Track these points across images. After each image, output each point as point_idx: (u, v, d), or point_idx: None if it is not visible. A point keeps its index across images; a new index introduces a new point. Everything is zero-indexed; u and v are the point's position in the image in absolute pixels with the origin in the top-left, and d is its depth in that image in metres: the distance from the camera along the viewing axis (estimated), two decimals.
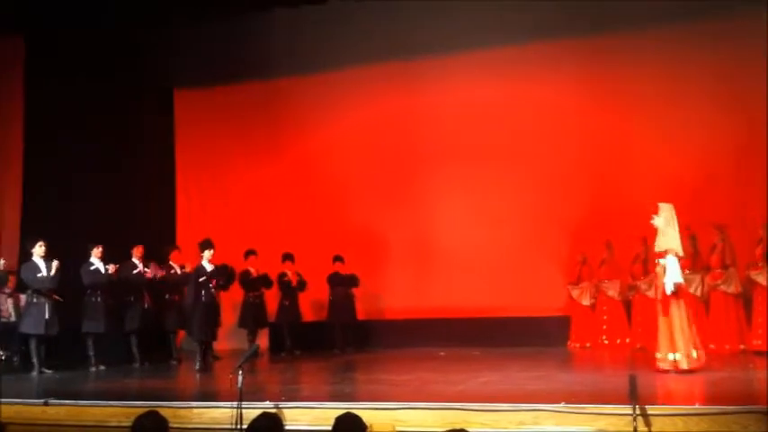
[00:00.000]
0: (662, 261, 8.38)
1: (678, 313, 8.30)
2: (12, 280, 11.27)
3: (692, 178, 11.44)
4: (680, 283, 8.29)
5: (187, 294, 11.15)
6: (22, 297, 10.94)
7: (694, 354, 8.19)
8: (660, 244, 8.48)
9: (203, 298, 10.67)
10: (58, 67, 12.09)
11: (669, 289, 8.26)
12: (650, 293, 10.91)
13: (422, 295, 12.78)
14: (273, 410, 6.28)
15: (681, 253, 8.42)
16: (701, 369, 8.15)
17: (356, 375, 9.81)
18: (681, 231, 8.57)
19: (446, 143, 12.94)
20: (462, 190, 12.83)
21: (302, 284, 12.64)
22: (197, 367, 10.36)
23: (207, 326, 10.78)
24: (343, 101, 13.69)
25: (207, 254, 10.78)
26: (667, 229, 8.44)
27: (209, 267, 10.78)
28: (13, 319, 11.50)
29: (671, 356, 8.20)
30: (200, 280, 10.65)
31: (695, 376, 8.14)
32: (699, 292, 10.79)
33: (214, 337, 11.07)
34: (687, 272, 10.79)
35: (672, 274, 8.25)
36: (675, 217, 8.48)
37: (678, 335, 8.22)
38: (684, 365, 8.10)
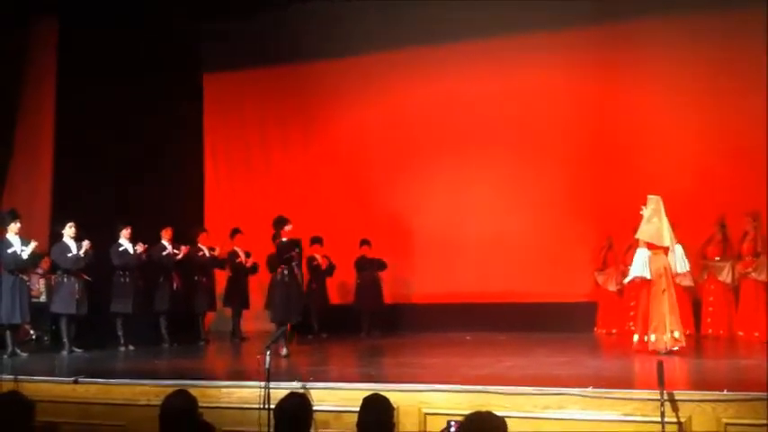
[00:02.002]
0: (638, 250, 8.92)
1: (648, 298, 8.82)
2: (46, 261, 11.40)
3: (724, 165, 11.31)
4: (642, 276, 8.81)
5: (270, 276, 10.44)
6: (54, 278, 11.07)
7: (662, 337, 8.59)
8: (640, 233, 8.94)
9: (286, 278, 9.95)
10: (89, 51, 12.18)
11: (627, 280, 9.08)
12: (678, 280, 10.92)
13: (448, 280, 12.78)
14: (301, 391, 6.33)
15: (663, 243, 8.80)
16: (679, 352, 8.51)
17: (382, 358, 9.84)
18: (672, 222, 8.99)
19: (475, 129, 12.86)
20: (490, 175, 12.77)
21: (331, 268, 12.69)
22: (283, 353, 9.20)
23: (289, 306, 9.88)
24: (372, 86, 13.66)
25: (287, 229, 9.93)
26: (652, 219, 8.86)
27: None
28: (44, 299, 11.67)
29: (648, 337, 8.68)
30: (284, 257, 9.90)
31: (724, 362, 8.13)
32: (729, 280, 10.74)
33: (299, 319, 10.18)
34: (717, 259, 10.82)
35: (635, 265, 8.84)
36: (663, 209, 8.86)
37: (652, 319, 8.69)
38: (661, 346, 8.54)
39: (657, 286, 8.78)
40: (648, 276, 8.82)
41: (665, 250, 8.85)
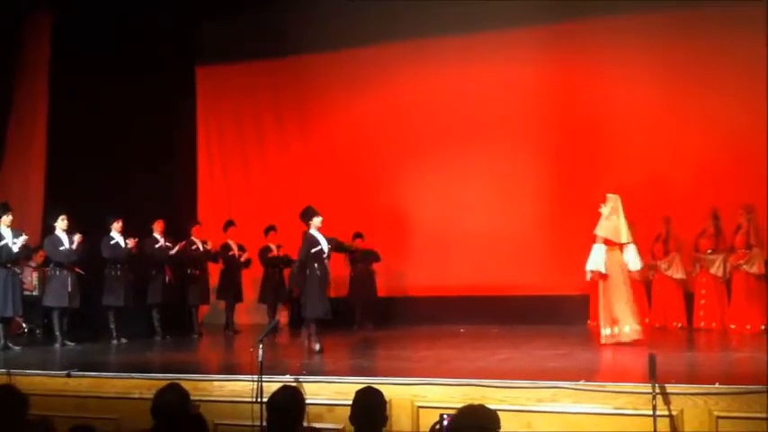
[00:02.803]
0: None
1: (606, 292, 9.24)
2: (40, 254, 11.37)
3: (718, 158, 11.34)
4: (597, 271, 9.25)
5: (296, 268, 9.83)
6: (47, 271, 11.05)
7: (626, 329, 8.99)
8: (598, 229, 9.35)
9: (318, 271, 9.39)
10: (82, 45, 12.15)
11: (588, 275, 9.38)
12: (670, 273, 10.97)
13: (443, 273, 12.77)
14: (293, 384, 6.33)
15: (621, 240, 9.24)
16: (637, 343, 8.82)
17: (376, 351, 9.85)
18: (629, 219, 9.48)
19: (470, 122, 12.83)
20: (485, 168, 12.74)
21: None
22: (316, 349, 9.09)
23: (321, 301, 9.41)
24: (368, 79, 13.59)
25: (315, 221, 9.47)
26: (611, 217, 9.30)
27: (319, 236, 9.50)
28: (36, 292, 11.65)
29: (608, 330, 9.10)
30: (313, 251, 9.37)
31: (715, 355, 8.17)
32: (721, 273, 10.76)
33: (330, 314, 9.56)
34: (709, 252, 10.86)
35: (591, 260, 9.25)
36: (621, 207, 9.33)
37: (612, 312, 9.11)
38: (619, 338, 8.97)
39: (614, 281, 9.19)
40: (603, 270, 9.20)
41: (621, 247, 9.27)
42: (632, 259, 9.29)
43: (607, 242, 9.26)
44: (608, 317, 9.14)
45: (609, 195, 9.44)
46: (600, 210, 9.42)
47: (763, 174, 10.88)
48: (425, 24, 12.89)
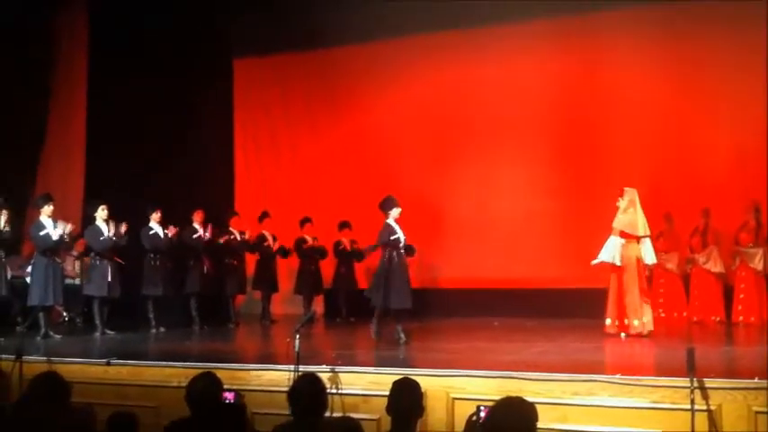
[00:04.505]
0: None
1: (620, 284, 9.33)
2: (80, 243, 11.53)
3: (758, 149, 11.13)
4: (613, 263, 9.32)
5: (380, 258, 9.62)
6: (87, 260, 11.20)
7: (636, 322, 9.13)
8: (616, 222, 9.41)
9: (395, 260, 9.34)
10: (120, 37, 12.30)
11: (594, 262, 9.45)
12: (708, 266, 10.86)
13: (477, 265, 12.73)
14: (329, 374, 6.38)
15: (638, 233, 9.33)
16: (648, 336, 9.06)
17: (411, 343, 9.85)
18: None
19: (505, 113, 12.77)
20: (520, 160, 12.69)
21: (359, 253, 12.67)
22: (373, 334, 9.28)
23: (394, 291, 9.29)
24: (400, 71, 13.56)
25: (394, 212, 9.44)
26: (628, 210, 9.40)
27: (396, 227, 9.46)
28: (78, 280, 11.82)
29: (618, 321, 9.26)
30: (392, 238, 9.32)
31: (754, 350, 8.07)
32: (761, 267, 10.74)
33: (407, 305, 9.43)
34: (750, 245, 10.76)
35: (607, 251, 9.32)
36: (638, 201, 9.43)
37: (623, 304, 9.24)
38: (630, 330, 9.11)
39: (629, 273, 9.27)
40: (618, 263, 9.27)
41: (638, 240, 9.35)
42: (649, 253, 9.38)
43: (624, 235, 9.33)
44: (618, 308, 9.27)
45: (626, 189, 9.54)
46: (617, 203, 9.50)
47: None
48: (454, 16, 12.84)
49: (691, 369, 5.45)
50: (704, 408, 5.44)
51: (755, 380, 5.56)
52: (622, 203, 9.45)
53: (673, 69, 11.87)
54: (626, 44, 12.08)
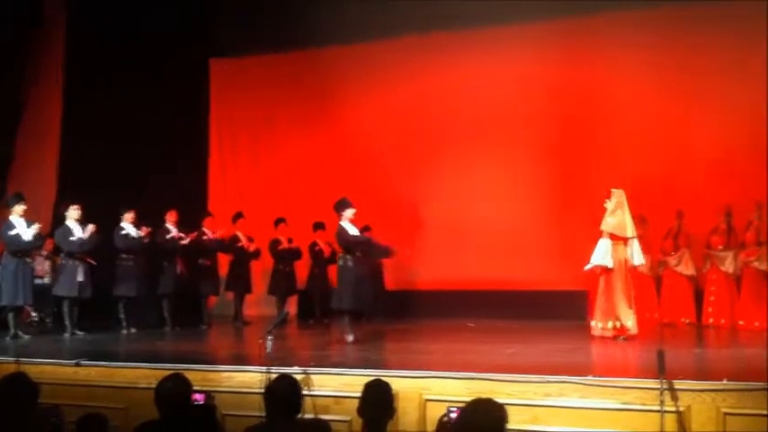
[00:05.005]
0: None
1: (607, 286, 9.28)
2: (49, 242, 11.41)
3: (731, 154, 11.31)
4: (604, 265, 9.24)
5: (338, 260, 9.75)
6: (58, 260, 11.09)
7: (618, 324, 9.10)
8: (604, 224, 9.36)
9: (350, 262, 9.40)
10: (95, 37, 12.21)
11: (588, 267, 9.38)
12: (680, 269, 10.94)
13: (451, 267, 12.77)
14: (301, 376, 6.35)
15: (627, 234, 9.31)
16: (632, 337, 9.02)
17: (384, 344, 9.86)
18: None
19: (483, 116, 12.83)
20: (498, 163, 12.75)
21: (334, 254, 12.64)
22: (350, 340, 9.20)
23: (358, 294, 9.36)
24: (379, 73, 13.58)
25: (348, 213, 9.49)
26: (616, 212, 9.34)
27: (351, 229, 9.52)
28: (47, 281, 11.70)
29: (603, 323, 9.21)
30: (351, 243, 9.41)
31: (724, 352, 8.17)
32: (731, 269, 10.74)
33: (368, 307, 9.70)
34: (720, 248, 10.82)
35: (596, 254, 9.24)
36: (626, 202, 9.38)
37: (611, 306, 9.19)
38: (615, 333, 9.09)
39: (618, 275, 9.22)
40: (610, 265, 9.21)
41: (626, 241, 9.30)
42: (637, 254, 9.35)
43: (612, 236, 9.29)
44: (605, 310, 9.22)
45: (613, 190, 9.51)
46: (604, 205, 9.45)
47: None
48: (438, 19, 12.85)
49: (661, 371, 5.49)
50: (674, 409, 5.49)
51: (724, 381, 5.61)
52: (610, 205, 9.41)
53: (650, 73, 11.97)
54: (604, 47, 12.22)
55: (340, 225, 9.49)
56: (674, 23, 11.79)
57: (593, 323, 9.41)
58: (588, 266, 9.45)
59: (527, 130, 12.60)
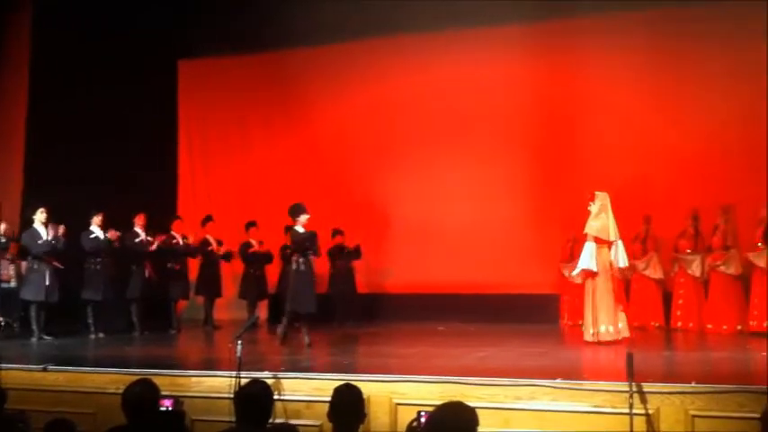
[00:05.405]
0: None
1: (594, 291, 9.18)
2: (13, 246, 11.27)
3: (698, 159, 11.45)
4: (590, 269, 9.16)
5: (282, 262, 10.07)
6: (24, 264, 10.94)
7: (611, 328, 9.04)
8: (588, 228, 9.29)
9: (301, 266, 9.57)
10: (62, 37, 12.07)
11: (576, 272, 9.43)
12: (648, 273, 11.02)
13: (423, 270, 12.79)
14: (272, 380, 6.32)
15: (610, 238, 9.20)
16: (623, 342, 8.84)
17: (355, 348, 9.85)
18: (616, 217, 9.39)
19: (451, 119, 12.89)
20: (465, 166, 12.79)
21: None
22: (306, 342, 9.34)
23: (302, 296, 9.54)
24: (351, 75, 13.61)
25: (302, 218, 9.62)
26: (600, 215, 9.25)
27: (304, 233, 9.67)
28: (14, 284, 11.53)
29: (593, 329, 9.10)
30: (301, 247, 9.59)
31: (692, 355, 8.25)
32: (699, 273, 10.83)
33: (311, 310, 9.69)
34: (688, 252, 10.92)
35: (583, 258, 9.20)
36: (609, 205, 9.26)
37: (598, 311, 9.10)
38: (606, 338, 8.98)
39: (604, 279, 9.15)
40: (595, 269, 9.13)
41: (610, 245, 9.23)
42: (621, 256, 9.29)
43: (596, 240, 9.21)
44: (595, 315, 9.11)
45: (597, 193, 9.40)
46: (588, 208, 9.36)
47: (741, 175, 11.00)
48: (407, 20, 12.87)
49: (630, 373, 5.53)
50: (643, 411, 5.53)
51: (693, 384, 5.66)
52: (594, 208, 9.32)
53: (621, 79, 12.07)
54: (579, 51, 12.30)
55: (294, 229, 9.69)
56: (647, 27, 11.89)
57: (584, 329, 9.28)
58: (576, 271, 9.45)
59: (497, 132, 12.67)
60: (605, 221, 9.22)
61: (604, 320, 9.05)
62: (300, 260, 9.57)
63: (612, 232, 9.22)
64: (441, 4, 12.58)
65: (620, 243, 9.29)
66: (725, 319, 10.41)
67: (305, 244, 9.57)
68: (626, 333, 9.06)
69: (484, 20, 12.49)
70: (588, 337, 9.13)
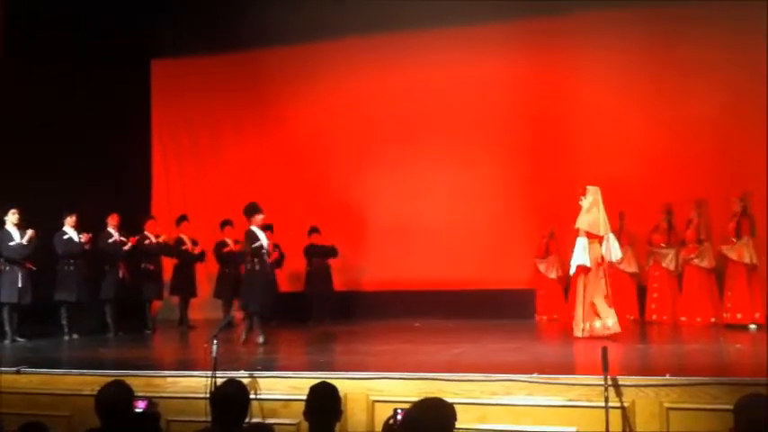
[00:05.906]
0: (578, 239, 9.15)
1: (585, 286, 9.08)
2: None
3: (671, 154, 11.53)
4: (584, 264, 9.02)
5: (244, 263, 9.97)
6: None
7: (609, 321, 8.92)
8: (579, 222, 9.17)
9: (257, 266, 9.63)
10: (31, 36, 11.91)
11: (572, 270, 9.22)
12: (622, 267, 11.08)
13: (399, 268, 12.80)
14: (248, 379, 6.29)
15: (600, 233, 9.06)
16: (615, 337, 8.75)
17: (332, 346, 9.84)
18: (608, 212, 9.31)
19: (426, 118, 12.89)
20: (441, 164, 12.81)
21: (280, 259, 12.54)
22: (260, 341, 9.36)
23: (263, 298, 9.61)
24: (326, 75, 13.54)
25: (257, 218, 9.65)
26: (591, 209, 9.11)
27: (260, 233, 9.72)
28: None
29: (583, 324, 8.99)
30: (254, 245, 9.57)
31: (667, 347, 8.31)
32: (673, 266, 10.94)
33: (270, 311, 9.88)
34: (662, 246, 11.01)
35: (576, 254, 9.08)
36: (601, 199, 9.13)
37: (590, 306, 8.97)
38: (598, 332, 8.85)
39: (594, 274, 9.04)
40: (589, 264, 9.02)
41: (600, 240, 9.12)
42: (614, 249, 9.15)
43: (588, 235, 9.08)
44: (587, 311, 9.00)
45: (589, 187, 9.27)
46: (580, 202, 9.24)
47: (714, 170, 11.12)
48: (383, 19, 12.86)
49: (605, 367, 5.55)
50: (618, 405, 5.57)
51: (667, 377, 5.71)
52: (585, 202, 9.17)
53: (596, 77, 12.13)
54: (555, 50, 12.34)
55: (249, 229, 9.66)
56: (617, 26, 11.96)
57: (574, 325, 9.16)
58: (573, 270, 9.26)
59: (472, 130, 12.69)
60: (596, 216, 9.07)
61: (598, 315, 8.91)
62: (255, 260, 9.60)
63: (602, 227, 9.09)
64: (420, 2, 12.53)
65: (611, 236, 9.16)
66: (699, 312, 10.52)
67: (257, 245, 9.58)
68: (617, 329, 8.92)
69: (464, 19, 12.46)
70: (579, 332, 9.01)
